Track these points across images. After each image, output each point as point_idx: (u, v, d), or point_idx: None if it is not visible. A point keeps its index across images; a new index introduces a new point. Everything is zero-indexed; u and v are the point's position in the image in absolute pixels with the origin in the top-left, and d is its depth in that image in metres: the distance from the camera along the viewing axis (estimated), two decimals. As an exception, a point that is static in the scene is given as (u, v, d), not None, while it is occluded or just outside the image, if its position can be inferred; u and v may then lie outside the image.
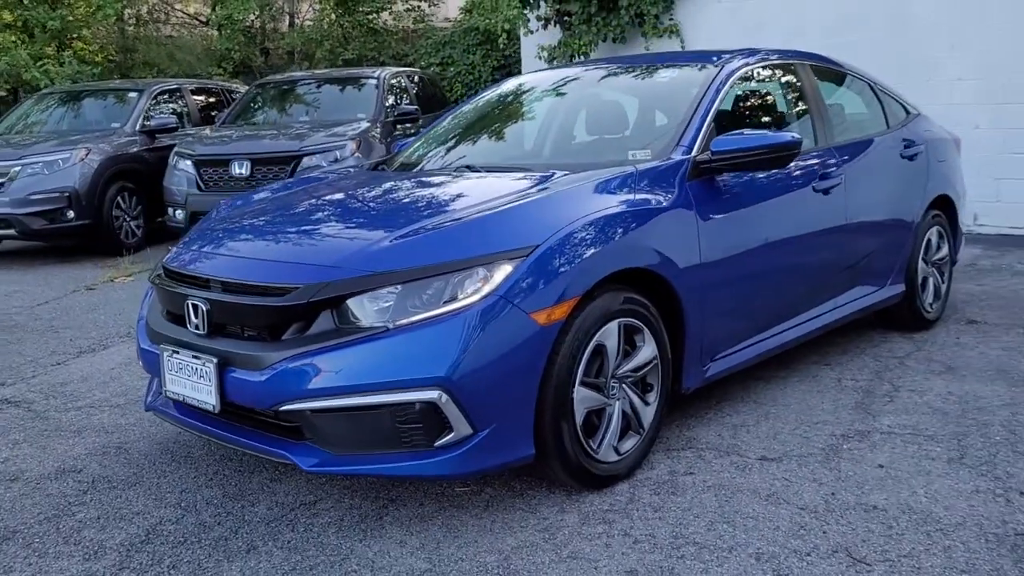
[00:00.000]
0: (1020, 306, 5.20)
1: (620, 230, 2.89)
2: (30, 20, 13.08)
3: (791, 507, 2.74)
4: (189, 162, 7.87)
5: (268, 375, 2.60)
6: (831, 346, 4.45)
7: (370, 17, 14.62)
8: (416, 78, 10.10)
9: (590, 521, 2.70)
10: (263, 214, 3.34)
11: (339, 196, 3.47)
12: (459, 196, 3.15)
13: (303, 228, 3.09)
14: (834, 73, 4.52)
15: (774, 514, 2.70)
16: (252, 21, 15.32)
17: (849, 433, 3.33)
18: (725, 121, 3.66)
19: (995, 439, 3.23)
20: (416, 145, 4.22)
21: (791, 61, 4.18)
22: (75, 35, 13.76)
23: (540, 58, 9.64)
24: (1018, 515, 2.65)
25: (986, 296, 5.50)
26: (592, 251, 2.76)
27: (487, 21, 12.34)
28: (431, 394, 2.47)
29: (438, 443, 2.53)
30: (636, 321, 2.93)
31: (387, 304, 2.58)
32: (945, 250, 4.88)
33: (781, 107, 4.11)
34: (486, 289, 2.56)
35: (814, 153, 3.91)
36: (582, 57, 9.36)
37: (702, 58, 4.00)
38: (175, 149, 8.18)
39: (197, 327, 2.82)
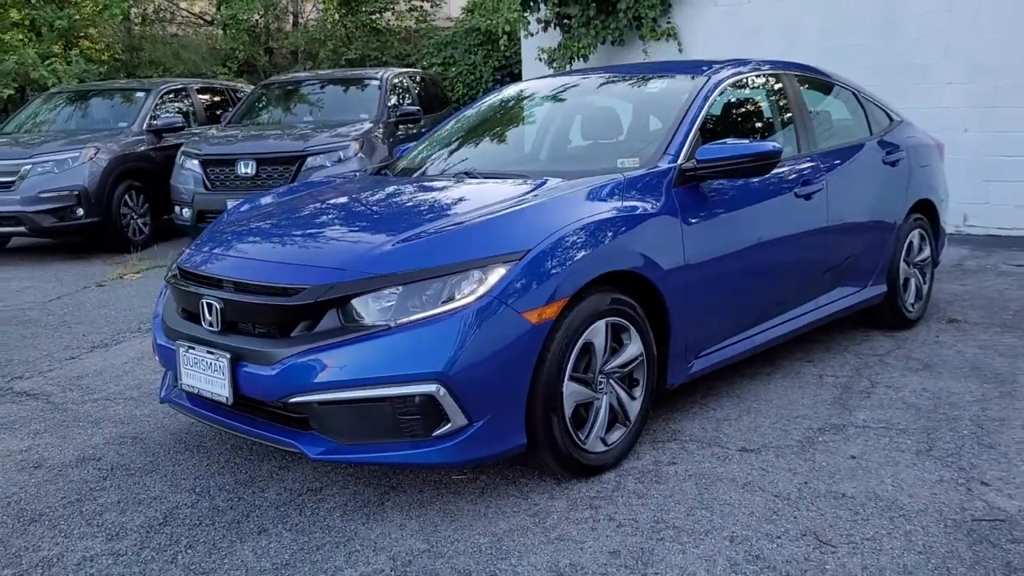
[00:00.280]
0: (1001, 306, 5.39)
1: (608, 235, 3.08)
2: (37, 19, 13.26)
3: (766, 494, 2.94)
4: (196, 161, 8.05)
5: (278, 369, 2.79)
6: (815, 344, 4.63)
7: (373, 17, 14.79)
8: (418, 78, 10.27)
9: (578, 507, 2.89)
10: (271, 217, 3.53)
11: (343, 200, 3.66)
12: (457, 201, 3.34)
13: (310, 231, 3.28)
14: (819, 82, 4.71)
15: (749, 501, 2.89)
16: (256, 21, 15.49)
17: (825, 427, 3.53)
18: (713, 129, 3.85)
19: (963, 433, 3.42)
20: (417, 151, 4.41)
21: (777, 71, 4.37)
22: (82, 34, 13.94)
23: (540, 60, 9.81)
24: (977, 503, 2.84)
25: (969, 296, 5.68)
26: (581, 255, 2.95)
27: (488, 22, 12.51)
28: (429, 388, 2.67)
29: (436, 433, 2.73)
30: (623, 320, 3.11)
31: (389, 304, 2.77)
32: (927, 252, 5.06)
33: (766, 116, 4.30)
34: (481, 290, 2.75)
35: (797, 160, 4.09)
36: (581, 60, 9.54)
37: (691, 69, 4.18)
38: (182, 149, 8.36)
39: (211, 324, 3.01)
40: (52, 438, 3.69)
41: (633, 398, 3.22)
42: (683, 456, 3.27)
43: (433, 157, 4.22)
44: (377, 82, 9.21)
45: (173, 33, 16.44)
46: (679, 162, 3.48)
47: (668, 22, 9.27)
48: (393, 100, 9.18)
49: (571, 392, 2.94)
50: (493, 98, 4.67)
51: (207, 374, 2.99)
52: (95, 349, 5.09)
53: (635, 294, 3.19)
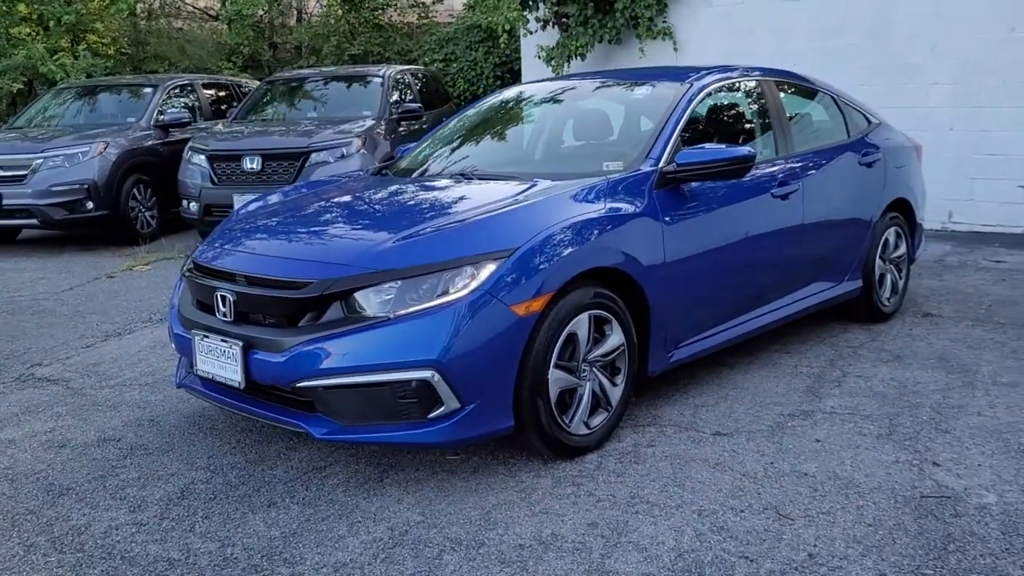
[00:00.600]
0: (975, 301, 5.63)
1: (591, 234, 3.33)
2: (45, 14, 13.48)
3: (734, 474, 3.19)
4: (203, 157, 8.29)
5: (286, 357, 3.04)
6: (794, 335, 4.88)
7: (376, 13, 15.01)
8: (420, 75, 10.49)
9: (561, 484, 3.15)
10: (279, 215, 3.79)
11: (346, 199, 3.91)
12: (453, 201, 3.59)
13: (315, 229, 3.53)
14: (799, 88, 4.95)
15: (719, 479, 3.15)
16: (261, 16, 15.71)
17: (795, 412, 3.78)
18: (695, 133, 4.09)
19: (922, 419, 3.67)
20: (416, 151, 4.65)
21: (757, 78, 4.61)
22: (89, 28, 14.16)
23: (539, 58, 10.02)
24: (927, 481, 3.10)
25: (946, 291, 5.92)
26: (566, 252, 3.20)
27: (489, 19, 12.72)
28: (425, 374, 2.92)
29: (431, 415, 2.98)
30: (605, 313, 3.37)
31: (388, 297, 3.02)
32: (903, 248, 5.30)
33: (746, 121, 4.55)
34: (473, 285, 3.01)
35: (774, 162, 4.33)
36: (579, 58, 9.76)
37: (676, 75, 4.41)
38: (189, 144, 8.60)
39: (225, 315, 3.27)
40: (74, 420, 3.95)
41: (615, 385, 3.47)
42: (661, 439, 3.53)
43: (431, 158, 4.46)
44: (379, 79, 9.43)
45: (179, 28, 16.67)
46: (660, 165, 3.73)
47: (664, 22, 9.48)
48: (395, 97, 9.39)
49: (556, 379, 3.19)
50: (490, 101, 4.91)
51: (221, 361, 3.25)
52: (109, 338, 5.34)
53: (617, 288, 3.44)
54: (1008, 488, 3.03)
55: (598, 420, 3.42)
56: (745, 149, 3.72)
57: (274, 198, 4.20)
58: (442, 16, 15.36)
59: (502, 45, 11.59)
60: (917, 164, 5.52)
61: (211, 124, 9.67)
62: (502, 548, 2.73)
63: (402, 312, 2.99)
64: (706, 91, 4.21)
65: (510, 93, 5.00)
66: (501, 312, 3.01)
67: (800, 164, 4.45)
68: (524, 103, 4.85)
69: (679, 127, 3.90)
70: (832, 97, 5.07)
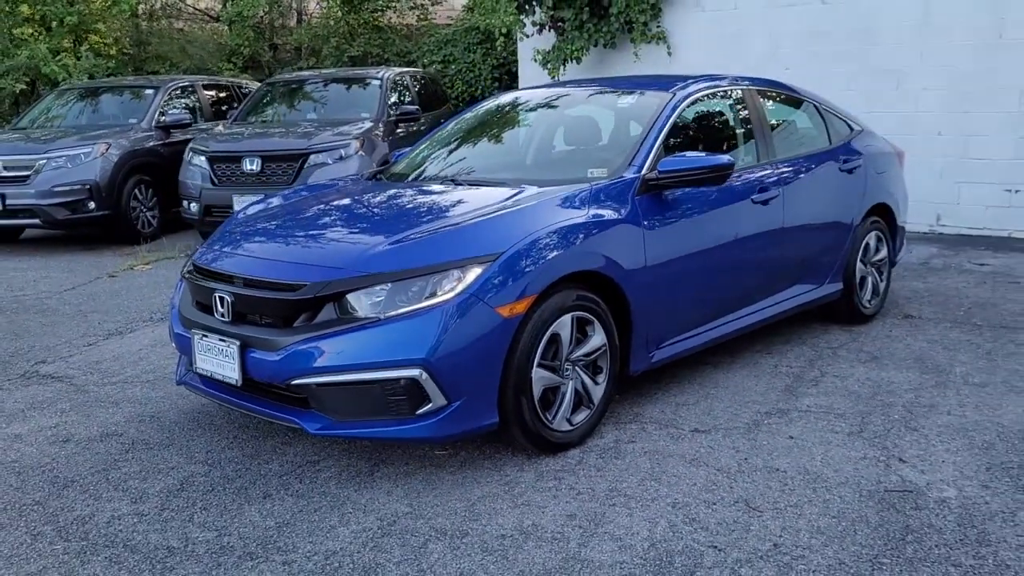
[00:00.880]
0: (956, 303, 5.77)
1: (574, 239, 3.48)
2: (48, 14, 13.62)
3: (709, 468, 3.34)
4: (203, 158, 8.43)
5: (282, 355, 3.19)
6: (776, 336, 5.03)
7: (375, 15, 15.16)
8: (419, 77, 10.63)
9: (544, 478, 3.30)
10: (275, 219, 3.94)
11: (340, 204, 4.06)
12: (442, 207, 3.74)
13: (310, 233, 3.68)
14: (782, 96, 5.09)
15: (694, 474, 3.30)
16: (261, 17, 15.86)
17: (772, 411, 3.93)
18: (679, 140, 4.24)
19: (894, 417, 3.82)
20: (409, 157, 4.80)
21: (740, 87, 4.75)
22: (91, 29, 14.30)
23: (535, 61, 10.17)
24: (892, 476, 3.24)
25: (929, 293, 6.07)
26: (549, 257, 3.35)
27: (487, 21, 12.86)
28: (413, 372, 3.07)
29: (419, 412, 3.13)
30: (587, 314, 3.51)
31: (379, 299, 3.17)
32: (884, 252, 5.45)
33: (728, 129, 4.69)
34: (459, 288, 3.15)
35: (755, 169, 4.48)
36: (574, 61, 9.91)
37: (662, 85, 4.54)
38: (190, 145, 8.75)
39: (223, 315, 3.42)
40: (77, 416, 4.10)
41: (597, 384, 3.62)
42: (642, 436, 3.68)
43: (424, 163, 4.61)
44: (378, 81, 9.57)
45: (180, 28, 16.82)
46: (643, 173, 3.87)
47: (658, 26, 9.62)
48: (394, 99, 9.53)
49: (539, 377, 3.34)
50: (482, 107, 5.06)
51: (219, 359, 3.39)
52: (111, 336, 5.49)
53: (600, 291, 3.59)
54: (968, 483, 3.18)
55: (580, 417, 3.57)
56: (724, 157, 3.86)
57: (271, 202, 4.35)
58: (441, 18, 15.50)
59: (499, 48, 11.74)
60: (899, 170, 5.66)
61: (212, 125, 9.81)
62: (485, 537, 2.88)
63: (392, 313, 3.13)
64: (689, 100, 4.36)
65: (502, 100, 5.15)
66: (486, 313, 3.16)
67: (781, 171, 4.59)
68: (515, 110, 5.00)
69: (662, 135, 4.05)
70: (815, 105, 5.22)
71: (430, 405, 3.13)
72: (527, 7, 10.04)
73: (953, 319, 5.38)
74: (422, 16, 15.42)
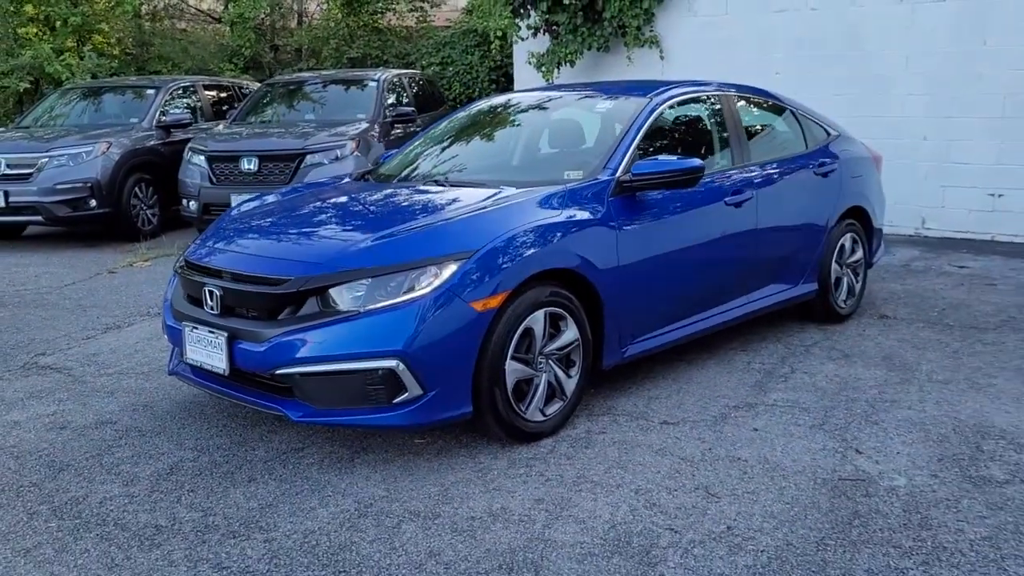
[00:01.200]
0: (931, 304, 5.93)
1: (548, 238, 3.64)
2: (52, 15, 13.82)
3: (674, 458, 3.50)
4: (202, 157, 8.61)
5: (267, 346, 3.36)
6: (753, 334, 5.19)
7: (374, 17, 15.35)
8: (415, 79, 10.81)
9: (516, 465, 3.46)
10: (265, 217, 4.11)
11: (326, 203, 4.23)
12: (422, 206, 3.91)
13: (297, 230, 3.86)
14: (759, 102, 5.26)
15: (659, 462, 3.46)
16: (262, 19, 16.05)
17: (740, 405, 4.09)
18: (655, 144, 4.40)
19: (856, 412, 3.98)
20: (396, 159, 4.97)
21: (717, 92, 4.92)
22: (94, 29, 14.49)
23: (530, 63, 10.33)
24: (847, 466, 3.40)
25: (906, 294, 6.22)
26: (522, 255, 3.51)
27: (484, 24, 13.04)
28: (391, 363, 3.24)
29: (396, 401, 3.30)
30: (560, 310, 3.68)
31: (359, 293, 3.33)
32: (859, 254, 5.61)
33: (703, 133, 4.85)
34: (436, 283, 3.32)
35: (729, 172, 4.64)
36: (568, 65, 10.07)
37: (642, 90, 4.71)
38: (189, 145, 8.93)
39: (212, 308, 3.59)
40: (74, 405, 4.27)
41: (570, 376, 3.78)
42: (613, 427, 3.84)
43: (410, 165, 4.78)
44: (375, 83, 9.74)
45: (182, 29, 17.02)
46: (617, 175, 4.04)
47: (651, 31, 9.78)
48: (391, 100, 9.70)
49: (513, 369, 3.50)
50: (467, 112, 5.24)
51: (208, 350, 3.56)
52: (109, 330, 5.66)
53: (573, 288, 3.75)
54: (919, 473, 3.34)
55: (553, 409, 3.73)
56: (695, 161, 4.02)
57: (262, 200, 4.52)
58: (439, 20, 15.69)
59: (494, 51, 11.91)
60: (875, 173, 5.82)
61: (212, 125, 9.99)
62: (455, 519, 3.04)
63: (371, 307, 3.30)
64: (665, 105, 4.52)
65: (486, 104, 5.31)
66: (461, 308, 3.32)
67: (754, 174, 4.75)
68: (499, 113, 5.16)
69: (636, 139, 4.21)
70: (792, 111, 5.38)
71: (406, 394, 3.29)
72: (522, 11, 10.20)
73: (926, 319, 5.53)
74: (421, 18, 15.61)
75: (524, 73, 10.71)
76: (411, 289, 3.32)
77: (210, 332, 3.55)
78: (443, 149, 4.91)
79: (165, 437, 3.84)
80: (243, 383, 3.59)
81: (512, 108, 5.21)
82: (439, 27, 15.15)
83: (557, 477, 3.35)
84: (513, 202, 3.77)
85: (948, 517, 2.99)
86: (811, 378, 4.45)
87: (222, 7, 16.58)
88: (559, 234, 3.69)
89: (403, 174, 4.67)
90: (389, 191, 4.31)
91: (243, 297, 3.53)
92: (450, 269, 3.35)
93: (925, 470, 3.36)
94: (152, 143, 9.50)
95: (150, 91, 10.16)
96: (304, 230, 3.85)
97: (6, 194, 8.59)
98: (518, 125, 5.00)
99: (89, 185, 8.74)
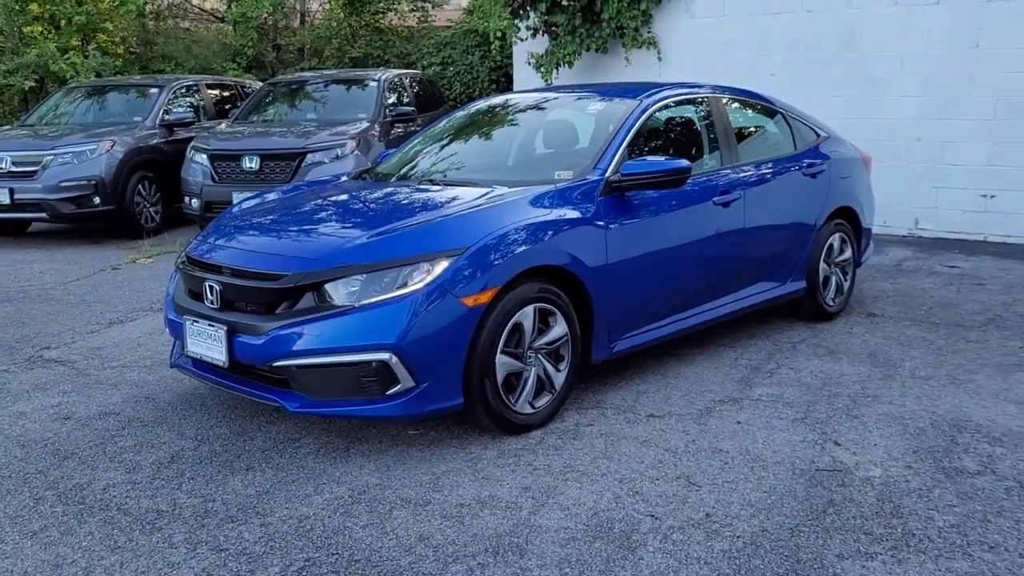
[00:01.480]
0: (919, 303, 6.03)
1: (537, 236, 3.75)
2: (57, 14, 13.94)
3: (658, 449, 3.62)
4: (205, 156, 8.74)
5: (265, 339, 3.48)
6: (742, 331, 5.30)
7: (376, 17, 15.47)
8: (416, 79, 10.92)
9: (505, 455, 3.58)
10: (264, 215, 4.23)
11: (324, 201, 4.35)
12: (416, 205, 4.03)
13: (293, 228, 3.97)
14: (749, 104, 5.37)
15: (644, 453, 3.57)
16: (265, 19, 16.18)
17: (726, 399, 4.20)
18: (645, 144, 4.51)
19: (837, 406, 4.09)
20: (393, 159, 5.09)
21: (706, 95, 5.03)
22: (98, 28, 14.61)
23: (530, 64, 10.45)
24: (825, 457, 3.52)
25: (896, 293, 6.33)
26: (513, 252, 3.62)
27: (484, 25, 13.15)
28: (384, 355, 3.36)
29: (389, 392, 3.42)
30: (549, 306, 3.79)
31: (354, 288, 3.45)
32: (848, 253, 5.71)
33: (692, 134, 4.96)
34: (428, 279, 3.44)
35: (717, 173, 4.75)
36: (567, 66, 10.19)
37: (634, 92, 4.82)
38: (192, 143, 9.06)
39: (212, 303, 3.71)
40: (78, 396, 4.39)
41: (559, 371, 3.90)
42: (601, 420, 3.95)
43: (406, 164, 4.89)
44: (376, 82, 9.86)
45: (186, 28, 17.16)
46: (607, 175, 4.15)
47: (649, 32, 9.89)
48: (391, 99, 9.82)
49: (503, 363, 3.62)
50: (461, 113, 5.36)
51: (208, 343, 3.68)
52: (112, 325, 5.79)
53: (563, 285, 3.86)
54: (894, 464, 3.45)
55: (542, 401, 3.84)
56: (682, 162, 4.13)
57: (262, 198, 4.64)
58: (440, 21, 15.81)
59: (494, 51, 12.03)
60: (864, 174, 5.92)
61: (214, 124, 10.11)
62: (445, 506, 3.16)
63: (366, 302, 3.42)
64: (655, 107, 4.63)
65: (483, 104, 5.43)
66: (452, 303, 3.44)
67: (743, 175, 4.86)
68: (496, 114, 5.27)
69: (626, 140, 4.32)
70: (781, 113, 5.49)
71: (399, 386, 3.41)
72: (522, 12, 10.31)
73: (913, 318, 5.64)
74: (422, 19, 15.73)
75: (524, 74, 10.83)
76: (404, 285, 3.44)
77: (210, 326, 3.67)
78: (440, 148, 5.03)
79: (166, 427, 3.96)
80: (242, 375, 3.71)
81: (509, 108, 5.32)
82: (440, 27, 15.26)
83: (544, 466, 3.46)
84: (505, 201, 3.88)
85: (919, 506, 3.10)
86: (796, 374, 4.56)
87: (225, 7, 16.71)
88: (549, 232, 3.80)
89: (400, 173, 4.79)
90: (386, 190, 4.43)
91: (242, 292, 3.65)
92: (442, 265, 3.47)
93: (900, 461, 3.47)
94: (155, 141, 9.62)
95: (153, 90, 10.28)
96: (302, 227, 3.97)
97: (11, 191, 8.72)
98: (514, 125, 5.12)
99: (93, 183, 8.86)
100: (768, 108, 5.46)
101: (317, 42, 15.65)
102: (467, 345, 3.50)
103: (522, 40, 10.57)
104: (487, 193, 3.99)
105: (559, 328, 3.85)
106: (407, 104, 10.00)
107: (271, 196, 4.69)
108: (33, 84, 13.58)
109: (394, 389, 3.42)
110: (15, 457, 3.67)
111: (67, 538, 3.00)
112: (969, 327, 5.38)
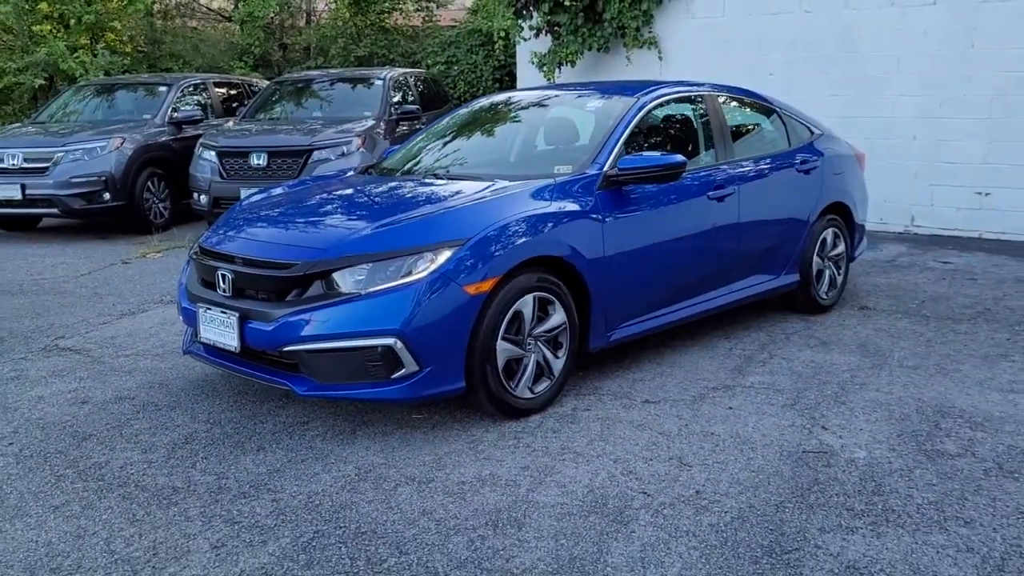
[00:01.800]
0: (911, 296, 6.17)
1: (538, 227, 3.90)
2: (66, 13, 14.13)
3: (652, 432, 3.77)
4: (213, 153, 8.91)
5: (275, 326, 3.63)
6: (737, 322, 5.45)
7: (381, 16, 15.64)
8: (420, 78, 11.08)
9: (505, 437, 3.73)
10: (273, 207, 4.39)
11: (331, 195, 4.50)
12: (421, 198, 4.18)
13: (302, 219, 4.13)
14: (744, 102, 5.51)
15: (638, 436, 3.72)
16: (272, 18, 16.35)
17: (719, 386, 4.35)
18: (643, 140, 4.66)
19: (827, 393, 4.24)
20: (399, 154, 5.24)
21: (702, 92, 5.18)
22: (107, 27, 14.80)
23: (533, 63, 10.60)
24: (812, 440, 3.66)
25: (889, 287, 6.47)
26: (513, 243, 3.78)
27: (488, 24, 13.31)
28: (389, 341, 3.51)
29: (394, 376, 3.57)
30: (548, 295, 3.94)
31: (361, 277, 3.61)
32: (841, 247, 5.85)
33: (688, 131, 5.11)
34: (431, 268, 3.59)
35: (713, 168, 4.89)
36: (569, 65, 10.34)
37: (632, 90, 4.97)
38: (200, 140, 9.23)
39: (224, 291, 3.87)
40: (94, 383, 4.55)
41: (557, 358, 4.05)
42: (597, 405, 4.10)
43: (412, 159, 5.05)
44: (381, 81, 10.03)
45: (193, 27, 17.34)
46: (604, 169, 4.30)
47: (650, 32, 10.03)
48: (396, 98, 9.98)
49: (503, 349, 3.77)
50: (464, 111, 5.51)
51: (221, 329, 3.84)
52: (124, 316, 5.95)
53: (561, 275, 4.01)
54: (878, 447, 3.59)
55: (542, 387, 3.99)
56: (677, 156, 4.28)
57: (270, 193, 4.80)
58: (445, 20, 15.97)
59: (498, 51, 12.18)
60: (857, 171, 6.06)
61: (222, 121, 10.28)
62: (447, 484, 3.31)
63: (372, 289, 3.57)
64: (652, 104, 4.78)
65: (486, 102, 5.58)
66: (455, 291, 3.59)
67: (737, 170, 5.01)
68: (499, 111, 5.43)
69: (623, 136, 4.47)
70: (777, 111, 5.63)
71: (404, 370, 3.56)
72: (525, 12, 10.46)
73: (904, 311, 5.77)
74: (427, 18, 15.90)
75: (527, 72, 10.98)
76: (409, 273, 3.59)
77: (223, 313, 3.83)
78: (444, 144, 5.18)
79: (180, 411, 4.12)
80: (253, 360, 3.86)
81: (511, 106, 5.48)
82: (444, 27, 15.43)
83: (543, 448, 3.62)
84: (506, 194, 4.04)
85: (900, 485, 3.25)
86: (788, 363, 4.71)
87: (232, 6, 16.89)
88: (549, 224, 3.95)
89: (405, 168, 4.94)
90: (390, 184, 4.58)
91: (253, 280, 3.80)
92: (445, 255, 3.62)
93: (884, 444, 3.62)
94: (164, 139, 9.79)
95: (162, 88, 10.45)
96: (310, 219, 4.13)
97: (23, 187, 8.89)
98: (516, 122, 5.27)
99: (103, 179, 9.03)
100: (763, 106, 5.61)
101: (323, 41, 15.83)
102: (469, 331, 3.65)
103: (525, 40, 10.72)
104: (489, 186, 4.14)
105: (558, 316, 4.00)
106: (412, 102, 10.16)
107: (279, 190, 4.85)
108: (43, 82, 13.77)
109: (399, 373, 3.57)
110: (36, 438, 3.83)
111: (88, 511, 3.15)
112: (959, 320, 5.52)
